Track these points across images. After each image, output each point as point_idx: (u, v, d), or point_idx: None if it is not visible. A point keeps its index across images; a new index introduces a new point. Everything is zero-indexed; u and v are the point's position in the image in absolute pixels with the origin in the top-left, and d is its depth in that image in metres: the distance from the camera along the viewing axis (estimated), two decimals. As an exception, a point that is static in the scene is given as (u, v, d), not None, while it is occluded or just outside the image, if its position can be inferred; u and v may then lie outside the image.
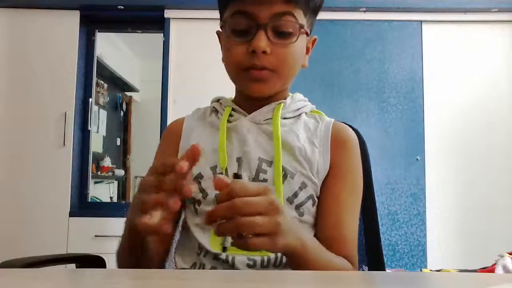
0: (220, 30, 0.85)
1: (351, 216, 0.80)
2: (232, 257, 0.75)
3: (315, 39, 0.88)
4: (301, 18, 0.79)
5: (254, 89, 0.80)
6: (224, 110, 0.85)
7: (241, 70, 0.79)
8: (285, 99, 0.86)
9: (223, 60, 0.84)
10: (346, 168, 0.82)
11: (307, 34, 0.82)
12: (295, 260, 0.64)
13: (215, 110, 0.88)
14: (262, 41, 0.75)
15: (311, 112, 0.89)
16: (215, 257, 0.77)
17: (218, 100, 0.89)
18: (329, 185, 0.81)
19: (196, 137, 0.85)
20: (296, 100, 0.87)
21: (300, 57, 0.82)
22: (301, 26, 0.78)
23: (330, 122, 0.86)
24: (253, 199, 0.53)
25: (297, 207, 0.78)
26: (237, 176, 0.56)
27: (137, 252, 0.70)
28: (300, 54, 0.82)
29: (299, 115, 0.86)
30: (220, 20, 0.84)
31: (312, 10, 0.82)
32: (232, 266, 0.76)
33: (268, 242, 0.55)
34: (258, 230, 0.54)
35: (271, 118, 0.82)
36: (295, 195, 0.77)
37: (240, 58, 0.77)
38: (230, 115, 0.84)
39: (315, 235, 0.80)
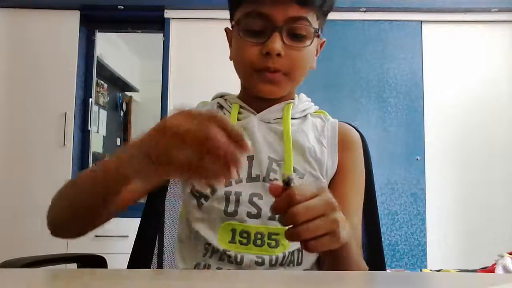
0: (231, 28, 0.85)
1: (357, 215, 0.81)
2: (240, 255, 0.75)
3: (324, 41, 0.89)
4: (314, 22, 0.79)
5: (264, 91, 0.80)
6: (230, 107, 0.85)
7: (254, 70, 0.79)
8: (293, 99, 0.87)
9: (232, 58, 0.84)
10: (352, 168, 0.84)
11: (318, 36, 0.83)
12: (340, 253, 0.63)
13: (220, 106, 0.87)
14: (277, 43, 0.75)
15: (315, 112, 0.90)
16: (221, 256, 0.76)
17: (221, 96, 0.89)
18: (336, 184, 0.82)
19: None
20: (303, 101, 0.88)
21: (311, 59, 0.83)
22: (316, 31, 0.79)
23: (335, 122, 0.88)
24: (312, 203, 0.54)
25: None
26: (288, 181, 0.55)
27: (99, 200, 0.65)
28: (311, 57, 0.83)
29: (305, 115, 0.87)
30: (231, 19, 0.83)
31: (324, 14, 0.82)
32: (240, 264, 0.75)
33: (329, 241, 0.55)
34: (320, 232, 0.54)
35: (281, 118, 0.83)
36: None
37: (253, 59, 0.77)
38: (239, 112, 0.84)
39: None
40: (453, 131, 2.72)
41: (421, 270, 2.53)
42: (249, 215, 0.76)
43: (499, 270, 1.81)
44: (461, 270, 2.09)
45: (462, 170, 2.69)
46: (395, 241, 2.64)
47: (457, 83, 2.75)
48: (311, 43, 0.78)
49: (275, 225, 0.76)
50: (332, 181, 0.82)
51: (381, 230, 0.94)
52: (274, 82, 0.79)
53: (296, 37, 0.77)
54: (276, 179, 0.78)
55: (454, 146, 2.71)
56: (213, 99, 0.91)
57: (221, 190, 0.78)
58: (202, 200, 0.79)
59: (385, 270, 0.93)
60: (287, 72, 0.78)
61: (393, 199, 2.67)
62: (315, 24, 0.79)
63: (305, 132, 0.83)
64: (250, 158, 0.80)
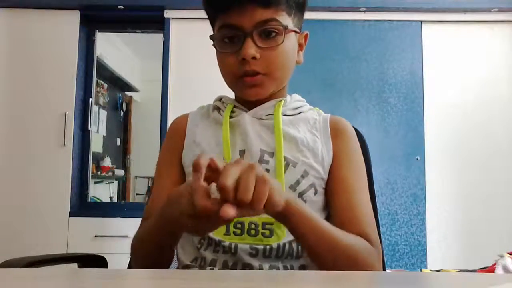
0: None
1: (362, 197, 0.81)
2: (234, 245, 0.77)
3: (307, 34, 0.91)
4: (285, 19, 0.81)
5: (250, 94, 0.84)
6: (226, 107, 0.88)
7: (236, 78, 0.83)
8: (285, 97, 0.89)
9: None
10: (349, 153, 0.85)
11: (296, 32, 0.85)
12: (293, 217, 0.64)
13: (217, 108, 0.91)
14: (251, 48, 0.78)
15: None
16: (216, 248, 0.78)
17: (220, 99, 0.92)
18: (335, 172, 0.83)
19: (200, 132, 0.88)
20: (295, 100, 0.91)
21: (290, 55, 0.85)
22: (285, 27, 0.80)
23: (327, 115, 0.90)
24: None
25: (300, 195, 0.80)
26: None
27: (166, 245, 0.72)
28: (291, 53, 0.84)
29: (298, 113, 0.89)
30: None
31: (296, 8, 0.84)
32: (234, 254, 0.77)
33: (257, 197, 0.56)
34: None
35: (272, 114, 0.85)
36: (297, 182, 0.80)
37: (233, 67, 0.82)
38: (232, 111, 0.88)
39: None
40: (453, 131, 2.72)
41: (421, 270, 2.53)
42: None
43: (499, 270, 1.81)
44: (461, 270, 2.09)
45: (462, 170, 2.69)
46: (395, 241, 2.64)
47: (457, 83, 2.75)
48: (283, 40, 0.80)
49: (268, 215, 0.77)
50: (331, 169, 0.83)
51: (381, 230, 0.94)
52: (256, 85, 0.82)
53: (268, 37, 0.80)
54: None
55: (454, 146, 2.71)
56: (214, 101, 0.94)
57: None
58: None
59: (385, 270, 0.93)
60: (266, 72, 0.81)
61: (393, 199, 2.67)
62: (287, 21, 0.82)
63: (297, 125, 0.86)
64: (242, 152, 0.83)
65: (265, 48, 0.80)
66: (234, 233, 0.78)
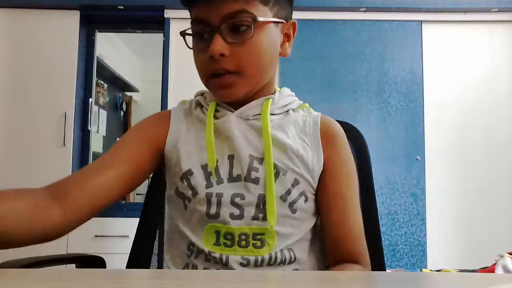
0: None
1: (353, 210, 0.79)
2: (226, 256, 0.74)
3: (295, 23, 0.83)
4: (259, 9, 0.74)
5: (222, 96, 0.78)
6: (208, 104, 0.82)
7: (207, 77, 0.78)
8: (273, 93, 0.83)
9: None
10: (340, 162, 0.81)
11: (276, 22, 0.78)
12: None
13: (199, 104, 0.85)
14: (218, 45, 0.72)
15: (298, 107, 0.87)
16: (207, 257, 0.75)
17: (202, 94, 0.87)
18: (326, 182, 0.79)
19: (184, 131, 0.82)
20: (284, 95, 0.84)
21: (267, 49, 0.77)
22: (254, 19, 0.73)
23: (318, 116, 0.84)
24: None
25: (290, 205, 0.76)
26: None
27: None
28: (267, 47, 0.77)
29: (287, 111, 0.84)
30: None
31: None
32: (225, 265, 0.74)
33: None
34: None
35: (259, 114, 0.80)
36: (288, 192, 0.76)
37: (203, 65, 0.77)
38: (216, 110, 0.81)
39: (311, 229, 0.81)
40: (453, 131, 2.72)
41: (421, 270, 2.53)
42: (232, 216, 0.74)
43: (499, 270, 1.81)
44: (461, 270, 2.09)
45: (462, 170, 2.69)
46: (395, 241, 2.64)
47: (457, 83, 2.75)
48: (253, 34, 0.73)
49: (259, 225, 0.74)
50: (321, 178, 0.80)
51: (381, 230, 0.94)
52: (225, 85, 0.76)
53: (238, 32, 0.73)
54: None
55: (454, 146, 2.71)
56: (195, 96, 0.89)
57: (202, 192, 0.76)
58: (186, 202, 0.78)
59: (385, 270, 0.93)
60: (236, 70, 0.74)
61: (393, 199, 2.67)
62: (262, 12, 0.74)
63: (286, 129, 0.80)
64: (231, 157, 0.77)
65: (235, 44, 0.73)
66: (225, 244, 0.74)
